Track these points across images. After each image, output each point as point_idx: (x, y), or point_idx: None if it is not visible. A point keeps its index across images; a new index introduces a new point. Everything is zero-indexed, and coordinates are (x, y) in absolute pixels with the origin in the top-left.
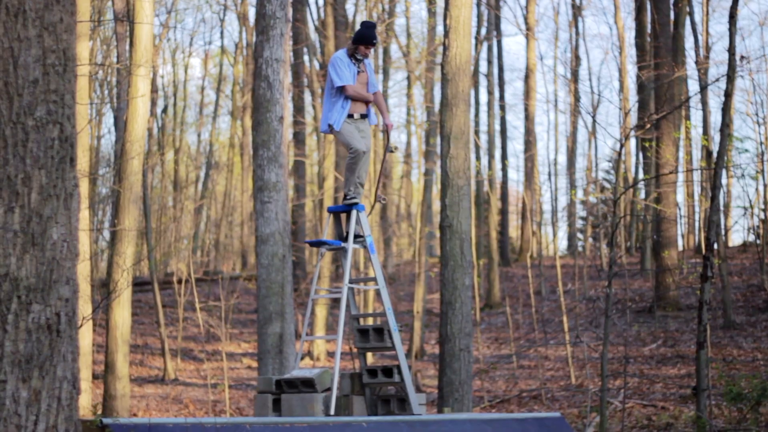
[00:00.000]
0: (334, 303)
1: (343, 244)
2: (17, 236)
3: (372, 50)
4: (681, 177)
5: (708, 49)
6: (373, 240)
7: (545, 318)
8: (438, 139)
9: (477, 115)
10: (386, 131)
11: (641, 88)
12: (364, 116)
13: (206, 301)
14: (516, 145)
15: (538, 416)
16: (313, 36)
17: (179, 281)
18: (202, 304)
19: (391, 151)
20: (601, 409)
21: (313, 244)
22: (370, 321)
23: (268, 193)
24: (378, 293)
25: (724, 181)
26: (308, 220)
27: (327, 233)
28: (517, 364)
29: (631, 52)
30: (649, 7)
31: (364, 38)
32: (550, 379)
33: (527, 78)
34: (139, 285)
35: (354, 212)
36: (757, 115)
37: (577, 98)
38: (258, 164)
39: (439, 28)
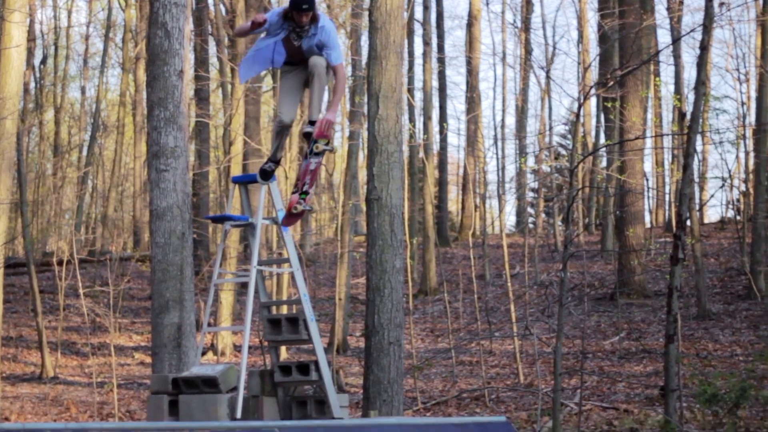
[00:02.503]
0: (242, 288)
1: (250, 220)
2: None
3: (307, 17)
4: (649, 143)
5: None
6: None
7: (490, 306)
8: (365, 98)
9: (411, 69)
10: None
11: (603, 39)
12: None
13: (92, 286)
14: (457, 105)
15: (480, 421)
16: None
17: (60, 263)
18: (87, 289)
19: (330, 151)
20: (554, 413)
21: (216, 219)
22: (283, 309)
23: (165, 159)
24: (292, 277)
25: (698, 147)
26: (212, 191)
27: (232, 207)
28: (457, 359)
29: None
30: None
31: (292, 3)
32: (495, 378)
33: (470, 26)
34: (12, 267)
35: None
36: (738, 71)
37: (528, 50)
38: (153, 126)
39: None
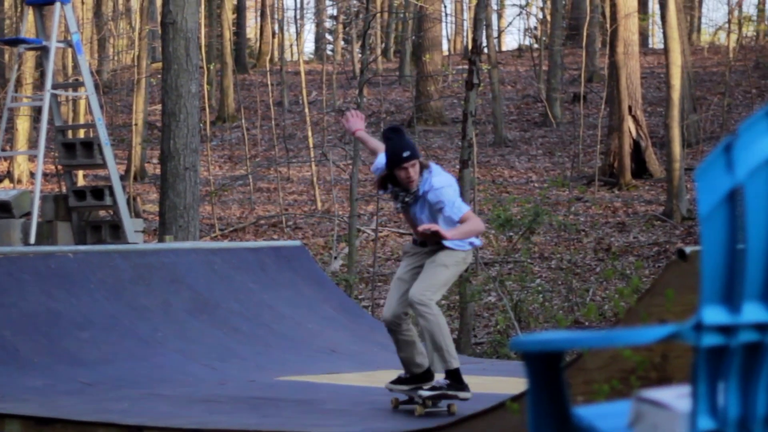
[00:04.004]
0: (38, 115)
1: (45, 43)
2: None
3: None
4: None
5: None
6: (81, 39)
7: (287, 133)
8: None
9: None
10: None
11: None
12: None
13: None
14: None
15: (275, 245)
16: None
17: None
18: None
19: None
20: (349, 239)
21: (8, 42)
22: (81, 135)
23: None
24: (88, 103)
25: None
26: (7, 17)
27: (27, 30)
28: (255, 186)
29: None
30: None
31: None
32: (293, 204)
33: None
34: None
35: (58, 5)
36: None
37: None
38: None
39: None
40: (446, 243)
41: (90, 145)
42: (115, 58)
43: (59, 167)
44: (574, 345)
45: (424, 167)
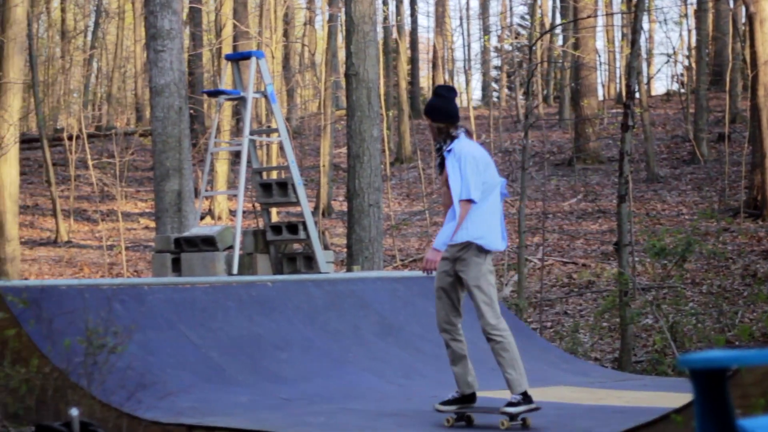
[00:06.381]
0: (236, 158)
1: (242, 94)
2: None
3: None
4: (600, 21)
5: None
6: (275, 90)
7: None
8: None
9: None
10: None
11: None
12: None
13: (99, 158)
14: None
15: None
16: None
17: (70, 137)
18: (95, 161)
19: None
20: (519, 267)
21: (210, 93)
22: (273, 175)
23: (161, 41)
24: (281, 146)
25: (645, 25)
26: (206, 71)
27: (225, 83)
28: (430, 220)
29: None
30: None
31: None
32: None
33: None
34: (27, 142)
35: (254, 59)
36: None
37: None
38: (150, 11)
39: None
40: (458, 240)
41: (285, 185)
42: (303, 106)
43: (257, 205)
44: (737, 362)
45: (449, 136)
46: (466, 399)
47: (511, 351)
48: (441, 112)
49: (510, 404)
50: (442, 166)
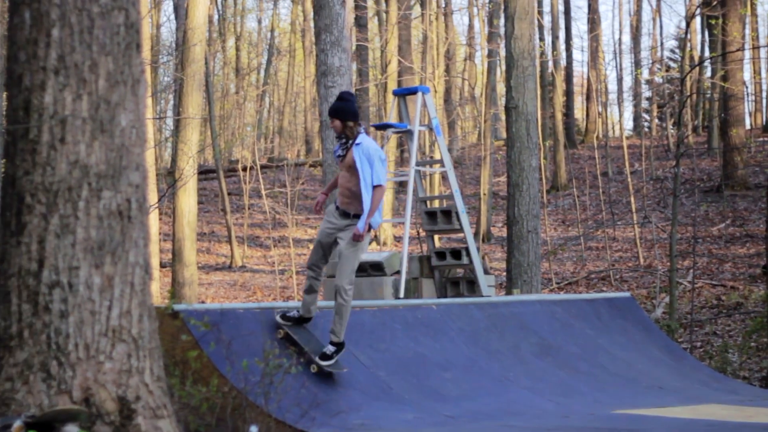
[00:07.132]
0: (401, 187)
1: (408, 127)
2: (86, 123)
3: (337, 124)
4: (747, 54)
5: None
6: (439, 122)
7: (612, 199)
8: (501, 20)
9: None
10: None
11: None
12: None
13: (272, 188)
14: (580, 26)
15: (607, 296)
16: None
17: (244, 168)
18: (268, 190)
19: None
20: (670, 290)
21: (378, 127)
22: (436, 204)
23: (331, 77)
24: (444, 176)
25: None
26: (372, 104)
27: (392, 116)
28: (585, 245)
29: None
30: None
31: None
32: (619, 260)
33: None
34: (204, 173)
35: (420, 94)
36: None
37: None
38: (321, 49)
39: None
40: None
41: (449, 213)
42: (463, 137)
43: (420, 231)
44: None
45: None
46: (303, 320)
47: (347, 313)
48: (349, 112)
49: (324, 356)
50: (343, 156)
